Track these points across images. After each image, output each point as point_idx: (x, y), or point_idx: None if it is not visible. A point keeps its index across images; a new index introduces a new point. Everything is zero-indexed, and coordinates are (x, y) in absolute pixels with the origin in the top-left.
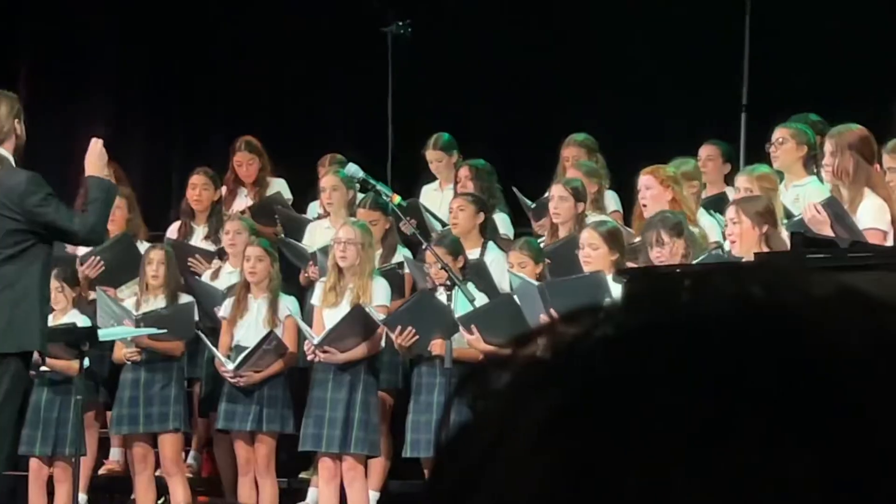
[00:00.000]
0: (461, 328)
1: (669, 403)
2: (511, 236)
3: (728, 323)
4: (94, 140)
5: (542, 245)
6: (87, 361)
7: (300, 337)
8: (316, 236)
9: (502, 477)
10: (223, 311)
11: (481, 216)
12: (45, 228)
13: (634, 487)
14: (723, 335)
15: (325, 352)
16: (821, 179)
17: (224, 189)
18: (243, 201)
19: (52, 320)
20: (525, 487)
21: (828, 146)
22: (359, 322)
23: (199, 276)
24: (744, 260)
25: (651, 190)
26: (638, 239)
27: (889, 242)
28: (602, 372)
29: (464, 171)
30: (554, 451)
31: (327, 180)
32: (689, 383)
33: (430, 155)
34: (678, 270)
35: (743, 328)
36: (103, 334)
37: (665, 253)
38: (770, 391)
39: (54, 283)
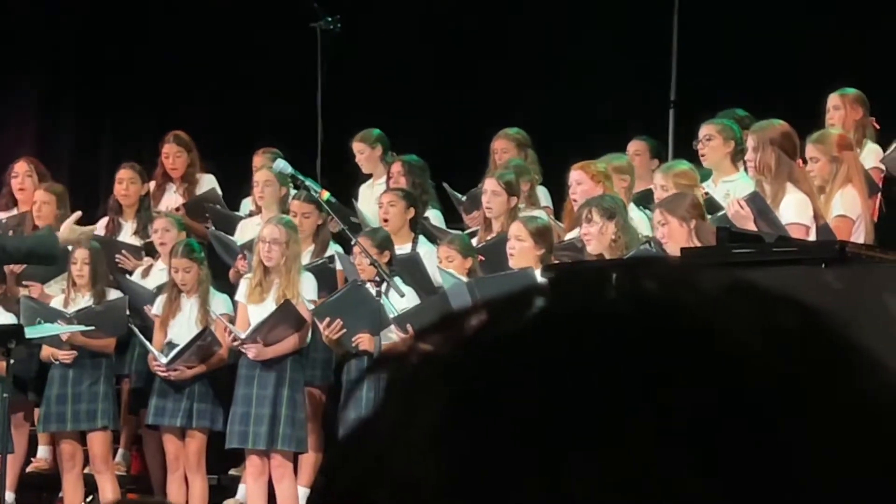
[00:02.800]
0: (396, 327)
1: (558, 400)
2: None
3: (619, 320)
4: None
5: (475, 239)
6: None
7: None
8: (247, 233)
9: (403, 470)
10: (156, 308)
11: (412, 211)
12: None
13: (529, 483)
14: (613, 332)
15: (253, 342)
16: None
17: (153, 184)
18: (172, 196)
19: None
20: (425, 481)
21: (750, 141)
22: (287, 318)
23: (128, 272)
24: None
25: (582, 185)
26: (569, 235)
27: (812, 237)
28: (495, 367)
29: (396, 167)
30: (450, 445)
31: (260, 175)
32: (577, 380)
33: (355, 146)
34: (603, 267)
35: (634, 325)
36: (31, 331)
37: (593, 232)
38: (660, 389)
39: None
